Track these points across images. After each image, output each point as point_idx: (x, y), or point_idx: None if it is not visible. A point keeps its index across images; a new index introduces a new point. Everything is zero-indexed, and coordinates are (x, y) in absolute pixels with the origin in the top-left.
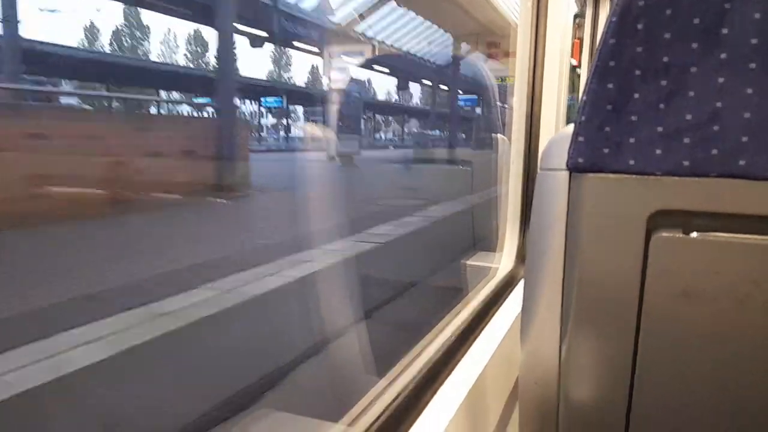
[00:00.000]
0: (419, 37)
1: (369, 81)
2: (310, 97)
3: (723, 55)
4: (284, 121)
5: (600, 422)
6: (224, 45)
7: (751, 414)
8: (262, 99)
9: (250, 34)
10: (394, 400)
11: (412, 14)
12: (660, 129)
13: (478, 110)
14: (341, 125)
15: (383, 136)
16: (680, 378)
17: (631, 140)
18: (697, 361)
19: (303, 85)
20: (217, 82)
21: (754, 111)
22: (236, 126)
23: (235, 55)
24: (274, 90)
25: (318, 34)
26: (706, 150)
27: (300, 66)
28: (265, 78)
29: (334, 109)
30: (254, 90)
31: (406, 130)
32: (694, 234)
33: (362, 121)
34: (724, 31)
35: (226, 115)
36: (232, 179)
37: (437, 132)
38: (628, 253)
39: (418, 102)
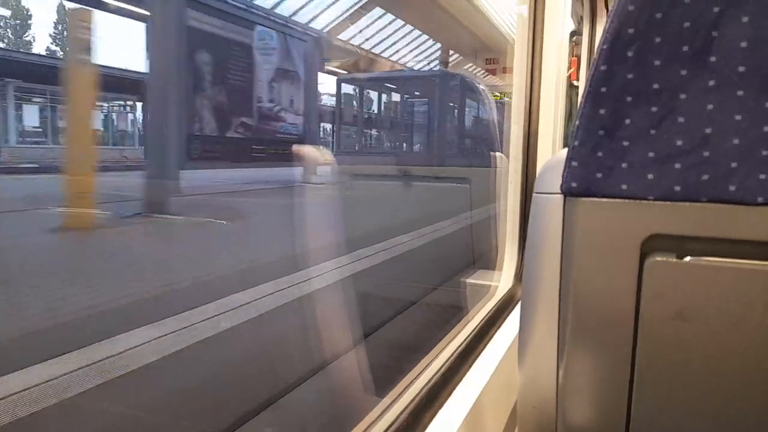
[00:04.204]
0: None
1: None
2: None
3: (712, 82)
4: None
5: None
6: None
7: None
8: None
9: None
10: (392, 424)
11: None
12: (651, 154)
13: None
14: None
15: None
16: (677, 400)
17: (624, 165)
18: (693, 383)
19: None
20: None
21: (742, 137)
22: None
23: None
24: None
25: None
26: (697, 175)
27: None
28: None
29: None
30: None
31: None
32: (688, 258)
33: None
34: (712, 58)
35: None
36: None
37: None
38: (623, 277)
39: None
